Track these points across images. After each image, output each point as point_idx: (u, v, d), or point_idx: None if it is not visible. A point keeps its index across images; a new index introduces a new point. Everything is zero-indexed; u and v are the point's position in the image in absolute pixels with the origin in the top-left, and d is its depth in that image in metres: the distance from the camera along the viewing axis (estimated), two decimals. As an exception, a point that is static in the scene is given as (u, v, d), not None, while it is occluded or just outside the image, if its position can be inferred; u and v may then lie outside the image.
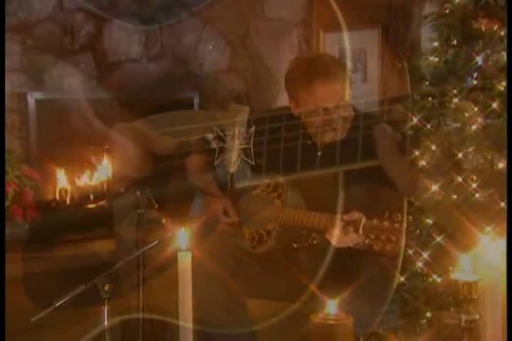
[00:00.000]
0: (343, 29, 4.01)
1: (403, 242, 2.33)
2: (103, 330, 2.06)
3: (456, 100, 2.54)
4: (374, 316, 2.53)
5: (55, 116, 4.01)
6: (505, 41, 2.48)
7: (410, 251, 2.61)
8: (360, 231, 2.32)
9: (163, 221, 2.42)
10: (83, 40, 4.15)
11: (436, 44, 2.65)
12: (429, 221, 2.63)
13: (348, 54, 4.30)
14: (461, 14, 2.59)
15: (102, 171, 4.14)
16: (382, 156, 2.55)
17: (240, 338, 2.56)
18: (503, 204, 2.44)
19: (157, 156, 3.39)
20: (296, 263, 2.58)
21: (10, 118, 3.87)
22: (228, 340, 2.54)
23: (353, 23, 4.09)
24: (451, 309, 2.46)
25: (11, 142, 3.83)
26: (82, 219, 3.83)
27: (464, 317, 1.65)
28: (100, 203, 3.95)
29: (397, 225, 2.28)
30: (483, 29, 2.54)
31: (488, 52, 2.52)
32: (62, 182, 4.01)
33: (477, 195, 2.49)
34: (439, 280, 2.61)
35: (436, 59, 2.64)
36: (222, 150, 2.65)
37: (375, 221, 2.31)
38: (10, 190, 3.49)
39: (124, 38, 4.28)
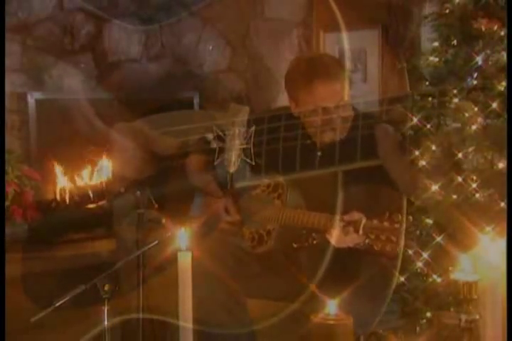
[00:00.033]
0: (342, 29, 4.01)
1: (403, 242, 2.33)
2: (103, 330, 2.06)
3: (456, 100, 2.54)
4: (374, 316, 2.53)
5: (55, 116, 4.01)
6: (505, 41, 2.48)
7: (410, 251, 2.61)
8: (361, 231, 2.32)
9: (163, 221, 2.42)
10: (83, 40, 4.15)
11: (436, 44, 2.65)
12: (429, 221, 2.63)
13: (348, 54, 4.30)
14: (461, 14, 2.59)
15: (102, 171, 4.14)
16: (383, 156, 2.55)
17: (240, 338, 2.56)
18: (503, 204, 2.44)
19: (158, 157, 3.39)
20: (296, 263, 2.58)
21: (10, 118, 3.87)
22: (228, 340, 2.55)
23: (353, 23, 4.09)
24: (451, 309, 2.46)
25: (11, 142, 3.83)
26: (82, 219, 3.83)
27: (464, 317, 1.65)
28: (100, 203, 3.95)
29: (397, 225, 2.29)
30: (483, 29, 2.53)
31: (488, 52, 2.52)
32: (62, 182, 4.01)
33: (477, 195, 2.49)
34: (439, 280, 2.60)
35: (436, 59, 2.64)
36: (222, 150, 2.65)
37: (375, 221, 2.31)
38: (10, 190, 3.49)
39: (124, 38, 4.28)
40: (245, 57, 4.70)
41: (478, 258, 1.64)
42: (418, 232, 2.63)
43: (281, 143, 2.65)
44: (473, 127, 2.51)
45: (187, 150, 2.94)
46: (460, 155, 2.52)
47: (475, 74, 2.54)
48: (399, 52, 4.15)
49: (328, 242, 2.42)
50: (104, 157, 4.11)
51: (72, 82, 4.12)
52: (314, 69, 2.57)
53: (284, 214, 2.56)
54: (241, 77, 4.69)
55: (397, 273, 2.56)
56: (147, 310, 2.22)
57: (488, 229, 2.38)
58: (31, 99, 3.93)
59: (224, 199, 2.69)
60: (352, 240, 2.36)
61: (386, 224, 2.30)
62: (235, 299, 2.58)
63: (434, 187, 2.55)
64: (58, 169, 4.00)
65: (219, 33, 4.61)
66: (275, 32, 4.73)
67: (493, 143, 2.48)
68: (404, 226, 2.32)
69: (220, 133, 2.65)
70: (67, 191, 3.99)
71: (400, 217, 2.31)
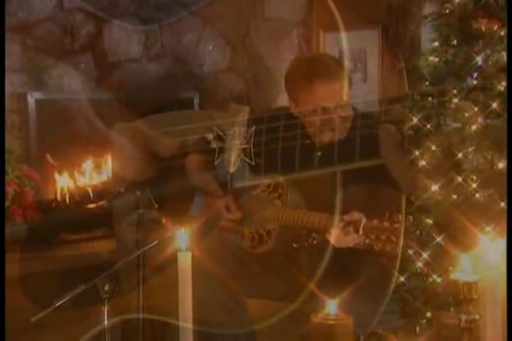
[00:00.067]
0: (341, 29, 4.01)
1: (401, 242, 2.33)
2: (103, 330, 2.06)
3: (456, 100, 2.54)
4: (373, 316, 2.53)
5: (55, 116, 4.02)
6: (505, 41, 2.48)
7: (410, 251, 2.61)
8: (361, 231, 2.32)
9: (163, 221, 2.42)
10: (83, 40, 4.15)
11: (436, 44, 2.65)
12: (429, 221, 2.62)
13: (346, 54, 4.30)
14: (461, 14, 2.58)
15: (102, 171, 4.14)
16: (386, 156, 2.55)
17: (240, 338, 2.56)
18: (503, 204, 2.44)
19: (158, 158, 3.39)
20: (296, 263, 2.58)
21: (10, 118, 3.87)
22: (228, 340, 2.55)
23: (353, 23, 4.09)
24: (451, 309, 2.45)
25: (11, 142, 3.83)
26: (82, 219, 3.84)
27: (463, 317, 1.65)
28: (100, 203, 3.95)
29: (397, 225, 2.29)
30: (483, 29, 2.53)
31: (488, 52, 2.51)
32: (62, 182, 4.01)
33: (477, 195, 2.49)
34: (439, 280, 2.60)
35: (436, 59, 2.64)
36: (222, 150, 2.65)
37: (375, 221, 2.32)
38: (10, 190, 3.50)
39: (124, 38, 4.28)
40: (245, 57, 4.70)
41: (478, 258, 1.64)
42: (418, 232, 2.63)
43: (281, 143, 2.65)
44: (473, 127, 2.50)
45: (187, 150, 2.94)
46: (460, 155, 2.51)
47: (475, 74, 2.54)
48: (399, 52, 4.15)
49: (328, 242, 2.42)
50: (104, 157, 4.11)
51: (72, 82, 4.12)
52: (314, 69, 2.57)
53: (284, 214, 2.55)
54: (241, 77, 4.69)
55: (396, 273, 2.56)
56: (147, 310, 2.22)
57: (488, 229, 2.38)
58: (31, 99, 3.94)
59: (225, 198, 2.69)
60: (352, 240, 2.36)
61: (386, 224, 2.30)
62: (235, 299, 2.58)
63: (434, 187, 2.55)
64: (58, 169, 4.00)
65: (219, 33, 4.61)
66: (275, 32, 4.73)
67: (493, 143, 2.48)
68: (403, 225, 2.33)
69: (220, 133, 2.65)
70: (67, 191, 3.99)
71: (400, 217, 2.31)
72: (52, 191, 3.99)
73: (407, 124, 2.61)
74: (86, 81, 4.16)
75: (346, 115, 2.60)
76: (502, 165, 2.45)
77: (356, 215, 2.35)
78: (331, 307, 1.51)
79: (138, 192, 2.34)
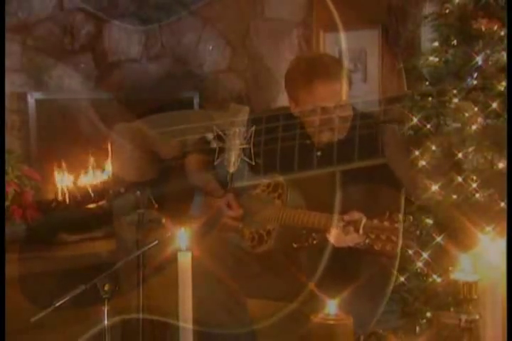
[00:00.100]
0: (340, 29, 4.01)
1: (400, 241, 2.33)
2: (103, 330, 2.06)
3: (456, 100, 2.54)
4: (373, 316, 2.53)
5: (55, 116, 4.02)
6: (505, 41, 2.48)
7: (410, 251, 2.61)
8: (361, 231, 2.32)
9: (163, 221, 2.42)
10: (83, 40, 4.15)
11: (436, 44, 2.65)
12: (429, 221, 2.62)
13: (345, 53, 4.30)
14: (461, 14, 2.59)
15: (102, 171, 4.14)
16: (390, 156, 2.55)
17: (241, 338, 2.55)
18: (503, 204, 2.44)
19: (158, 158, 3.39)
20: (296, 263, 2.58)
21: (10, 118, 3.87)
22: (228, 340, 2.54)
23: (353, 23, 4.09)
24: (451, 309, 2.46)
25: (11, 142, 3.83)
26: (82, 219, 3.83)
27: (463, 317, 1.65)
28: (100, 203, 3.95)
29: (397, 225, 2.29)
30: (483, 29, 2.53)
31: (488, 52, 2.52)
32: (62, 182, 4.01)
33: (477, 195, 2.49)
34: (439, 280, 2.60)
35: (436, 59, 2.64)
36: (222, 150, 2.65)
37: (375, 221, 2.31)
38: (10, 190, 3.50)
39: (124, 38, 4.28)
40: (245, 57, 4.70)
41: (478, 258, 1.64)
42: (418, 232, 2.63)
43: (281, 143, 2.65)
44: (473, 127, 2.51)
45: (187, 150, 2.94)
46: (460, 155, 2.51)
47: (475, 74, 2.54)
48: (399, 52, 4.15)
49: (328, 242, 2.42)
50: (104, 157, 4.11)
51: (72, 82, 4.12)
52: (314, 69, 2.57)
53: (284, 214, 2.55)
54: (241, 77, 4.69)
55: (395, 273, 2.56)
56: (147, 310, 2.22)
57: (488, 229, 2.38)
58: (31, 99, 3.93)
59: (225, 197, 2.69)
60: (352, 240, 2.36)
61: (386, 223, 2.30)
62: (235, 299, 2.58)
63: (434, 187, 2.55)
64: (58, 169, 4.00)
65: (219, 33, 4.61)
66: (275, 32, 4.73)
67: (493, 143, 2.48)
68: (402, 225, 2.33)
69: (220, 133, 2.66)
70: (67, 191, 3.99)
71: (400, 216, 2.31)
72: (52, 191, 3.99)
73: (407, 124, 2.62)
74: (86, 81, 4.16)
75: (346, 115, 2.60)
76: (502, 165, 2.46)
77: (356, 215, 2.35)
78: (331, 307, 1.51)
79: (138, 192, 2.34)
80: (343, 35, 4.14)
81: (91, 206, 3.95)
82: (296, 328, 2.38)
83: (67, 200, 3.96)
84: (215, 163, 2.67)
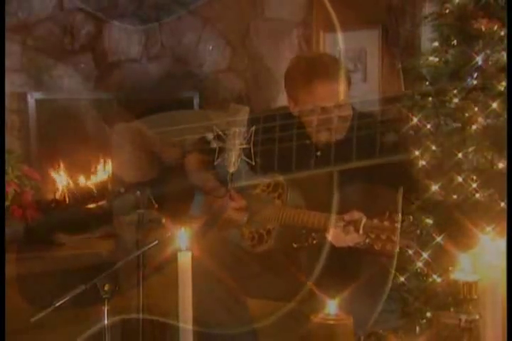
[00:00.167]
0: (337, 29, 4.01)
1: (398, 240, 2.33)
2: (103, 330, 2.06)
3: (456, 100, 2.54)
4: (371, 315, 2.53)
5: (55, 116, 4.02)
6: (505, 41, 2.48)
7: (410, 251, 2.61)
8: (361, 230, 2.32)
9: (163, 221, 2.42)
10: (83, 40, 4.15)
11: (436, 44, 2.65)
12: (429, 221, 2.62)
13: (344, 53, 4.30)
14: (461, 14, 2.59)
15: (102, 171, 4.14)
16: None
17: (241, 337, 2.55)
18: (503, 204, 2.44)
19: (158, 158, 3.39)
20: (296, 263, 2.58)
21: (10, 118, 3.87)
22: (228, 340, 2.54)
23: (353, 23, 4.09)
24: (451, 309, 2.45)
25: (11, 142, 3.83)
26: (82, 219, 3.83)
27: (463, 317, 1.65)
28: (100, 203, 3.95)
29: (397, 225, 2.28)
30: (483, 29, 2.53)
31: (488, 52, 2.52)
32: (62, 182, 4.01)
33: (477, 195, 2.49)
34: (439, 280, 2.60)
35: (436, 59, 2.64)
36: (222, 150, 2.65)
37: (375, 220, 2.31)
38: (10, 190, 3.50)
39: (124, 38, 4.28)
40: (245, 57, 4.70)
41: (478, 258, 1.64)
42: (418, 232, 2.63)
43: (281, 143, 2.65)
44: (473, 127, 2.51)
45: (187, 150, 2.94)
46: (460, 155, 2.52)
47: (475, 74, 2.54)
48: (399, 52, 4.15)
49: (328, 242, 2.42)
50: (104, 157, 4.11)
51: (72, 82, 4.12)
52: (314, 68, 2.57)
53: (284, 213, 2.55)
54: (241, 77, 4.69)
55: (393, 272, 2.56)
56: (147, 310, 2.22)
57: (488, 229, 2.38)
58: (31, 99, 3.94)
59: (227, 194, 2.68)
60: (352, 239, 2.36)
61: (386, 223, 2.29)
62: (235, 298, 2.58)
63: (434, 187, 2.55)
64: (58, 169, 4.01)
65: (219, 33, 4.61)
66: (275, 32, 4.73)
67: (493, 143, 2.48)
68: (400, 224, 2.32)
69: (220, 133, 2.65)
70: (66, 191, 3.99)
71: (400, 216, 2.31)
72: (52, 191, 3.99)
73: (407, 124, 2.62)
74: (86, 81, 4.16)
75: (346, 115, 2.60)
76: (502, 165, 2.46)
77: (356, 215, 2.35)
78: (331, 307, 1.51)
79: (138, 192, 2.34)
80: (343, 35, 4.14)
81: (91, 206, 3.95)
82: (296, 327, 2.38)
83: (67, 200, 3.96)
84: (215, 163, 2.66)
